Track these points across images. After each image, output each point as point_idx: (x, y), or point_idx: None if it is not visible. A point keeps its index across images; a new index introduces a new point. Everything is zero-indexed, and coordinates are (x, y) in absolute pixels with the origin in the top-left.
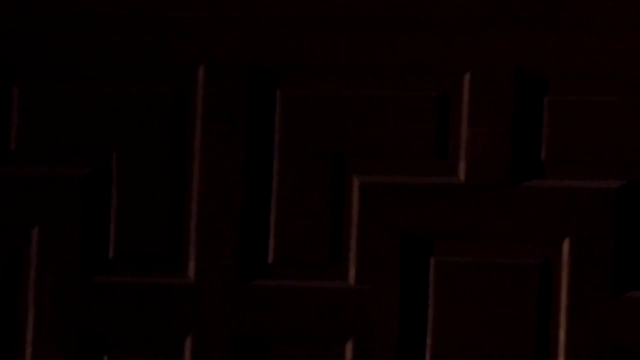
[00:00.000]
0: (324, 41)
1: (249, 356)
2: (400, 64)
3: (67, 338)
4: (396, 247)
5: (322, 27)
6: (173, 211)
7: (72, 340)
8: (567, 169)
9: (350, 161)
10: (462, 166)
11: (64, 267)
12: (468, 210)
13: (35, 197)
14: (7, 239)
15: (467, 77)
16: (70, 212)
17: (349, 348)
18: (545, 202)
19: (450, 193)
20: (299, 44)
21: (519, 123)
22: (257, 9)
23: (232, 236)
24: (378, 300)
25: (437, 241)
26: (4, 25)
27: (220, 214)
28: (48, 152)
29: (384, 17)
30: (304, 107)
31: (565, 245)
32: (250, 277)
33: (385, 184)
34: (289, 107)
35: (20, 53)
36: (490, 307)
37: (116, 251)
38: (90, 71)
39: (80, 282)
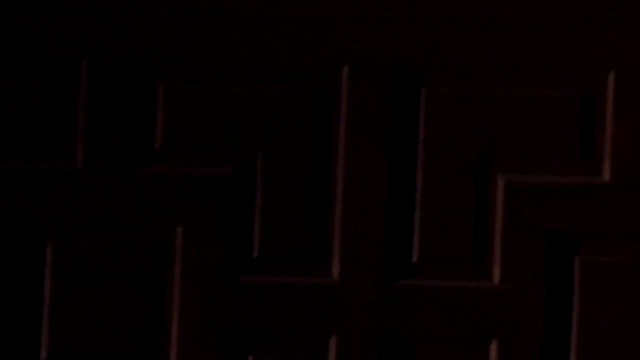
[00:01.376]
0: (469, 41)
1: (393, 356)
2: (545, 64)
3: (212, 337)
4: (541, 247)
5: (466, 26)
6: (317, 211)
7: (217, 339)
8: None
9: (495, 161)
10: (606, 166)
11: (208, 266)
12: (613, 210)
13: (179, 197)
14: (152, 239)
15: (611, 76)
16: (214, 211)
17: (493, 348)
18: None
19: (595, 193)
20: (443, 44)
21: None
22: (402, 8)
23: (377, 236)
24: (522, 300)
25: (582, 241)
26: (149, 26)
27: (365, 214)
28: (193, 152)
29: (529, 16)
30: (448, 107)
31: None
32: (395, 277)
33: (529, 183)
34: (434, 107)
35: (166, 53)
36: (635, 307)
37: (261, 251)
38: (235, 71)
39: (225, 281)
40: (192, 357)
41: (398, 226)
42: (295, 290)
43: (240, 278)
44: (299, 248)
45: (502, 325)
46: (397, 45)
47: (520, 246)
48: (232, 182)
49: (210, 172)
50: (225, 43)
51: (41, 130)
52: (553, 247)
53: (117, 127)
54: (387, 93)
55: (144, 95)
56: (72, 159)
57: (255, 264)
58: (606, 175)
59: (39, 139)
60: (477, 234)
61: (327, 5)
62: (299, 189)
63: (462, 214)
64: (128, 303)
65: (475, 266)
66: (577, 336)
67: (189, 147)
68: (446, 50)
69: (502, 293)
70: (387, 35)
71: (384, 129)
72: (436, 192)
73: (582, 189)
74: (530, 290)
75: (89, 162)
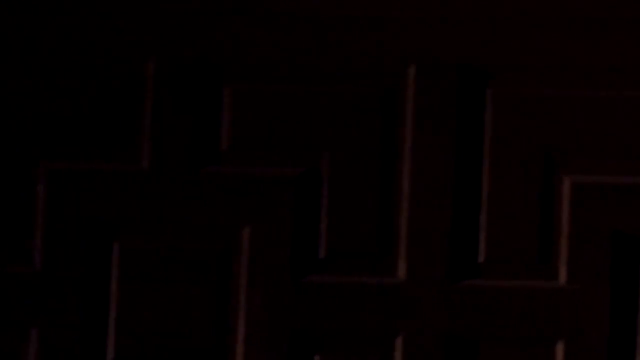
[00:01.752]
0: (535, 40)
1: (458, 356)
2: (611, 63)
3: (278, 337)
4: (607, 247)
5: (532, 26)
6: (383, 210)
7: (284, 339)
8: None
9: (561, 160)
10: None
11: (275, 266)
12: None
13: (246, 197)
14: (219, 239)
15: None
16: (281, 211)
17: (559, 348)
18: None
19: None
20: (509, 44)
21: None
22: (468, 8)
23: (442, 235)
24: (589, 300)
25: None
26: (215, 27)
27: (431, 213)
28: (259, 153)
29: (596, 16)
30: (514, 107)
31: None
32: (461, 277)
33: (596, 183)
34: (499, 107)
35: (231, 54)
36: None
37: (327, 251)
38: (301, 72)
39: (291, 281)
40: (259, 357)
41: (464, 226)
42: (361, 290)
43: (307, 278)
44: (365, 248)
45: (568, 325)
46: (462, 45)
47: (587, 246)
48: (299, 182)
49: (276, 173)
50: (291, 44)
51: (108, 131)
52: (619, 246)
53: (183, 128)
54: (453, 93)
55: (211, 96)
56: (138, 159)
57: (322, 264)
58: None
59: (106, 139)
60: (543, 234)
61: (393, 6)
62: (365, 189)
63: (529, 214)
64: (194, 303)
65: (542, 266)
66: None
67: (256, 148)
68: (512, 50)
69: (568, 293)
70: (453, 35)
71: (449, 128)
72: (502, 192)
73: None
74: (597, 290)
75: (156, 163)
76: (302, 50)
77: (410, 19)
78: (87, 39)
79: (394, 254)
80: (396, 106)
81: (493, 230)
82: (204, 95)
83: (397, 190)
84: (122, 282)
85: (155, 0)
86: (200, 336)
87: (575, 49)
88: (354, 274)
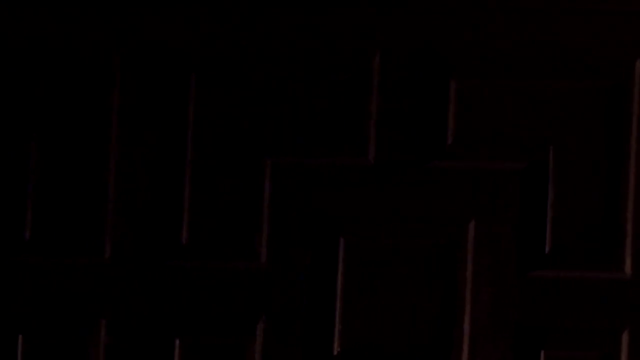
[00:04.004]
0: None
1: None
2: None
3: (504, 332)
4: None
5: None
6: (609, 205)
7: (509, 334)
8: None
9: None
10: None
11: (500, 261)
12: None
13: (471, 191)
14: (444, 233)
15: None
16: (507, 205)
17: None
18: None
19: None
20: None
21: None
22: None
23: None
24: None
25: None
26: (442, 21)
27: None
28: (484, 146)
29: None
30: None
31: None
32: None
33: None
34: None
35: (458, 47)
36: None
37: (552, 245)
38: (526, 66)
39: (517, 276)
40: (484, 351)
41: None
42: (587, 285)
43: (532, 273)
44: (591, 243)
45: None
46: None
47: None
48: (524, 176)
49: (502, 167)
50: (517, 38)
51: (334, 125)
52: None
53: (409, 122)
54: None
55: (437, 90)
56: (364, 154)
57: (547, 258)
58: None
59: (332, 134)
60: None
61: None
62: (591, 183)
63: None
64: (420, 297)
65: None
66: None
67: (481, 142)
68: None
69: None
70: None
71: None
72: None
73: None
74: None
75: (381, 157)
76: (528, 44)
77: (637, 13)
78: (313, 35)
79: (620, 249)
80: (623, 100)
81: None
82: (431, 88)
83: (623, 185)
84: (347, 277)
85: None
86: (425, 330)
87: None
88: (580, 268)
